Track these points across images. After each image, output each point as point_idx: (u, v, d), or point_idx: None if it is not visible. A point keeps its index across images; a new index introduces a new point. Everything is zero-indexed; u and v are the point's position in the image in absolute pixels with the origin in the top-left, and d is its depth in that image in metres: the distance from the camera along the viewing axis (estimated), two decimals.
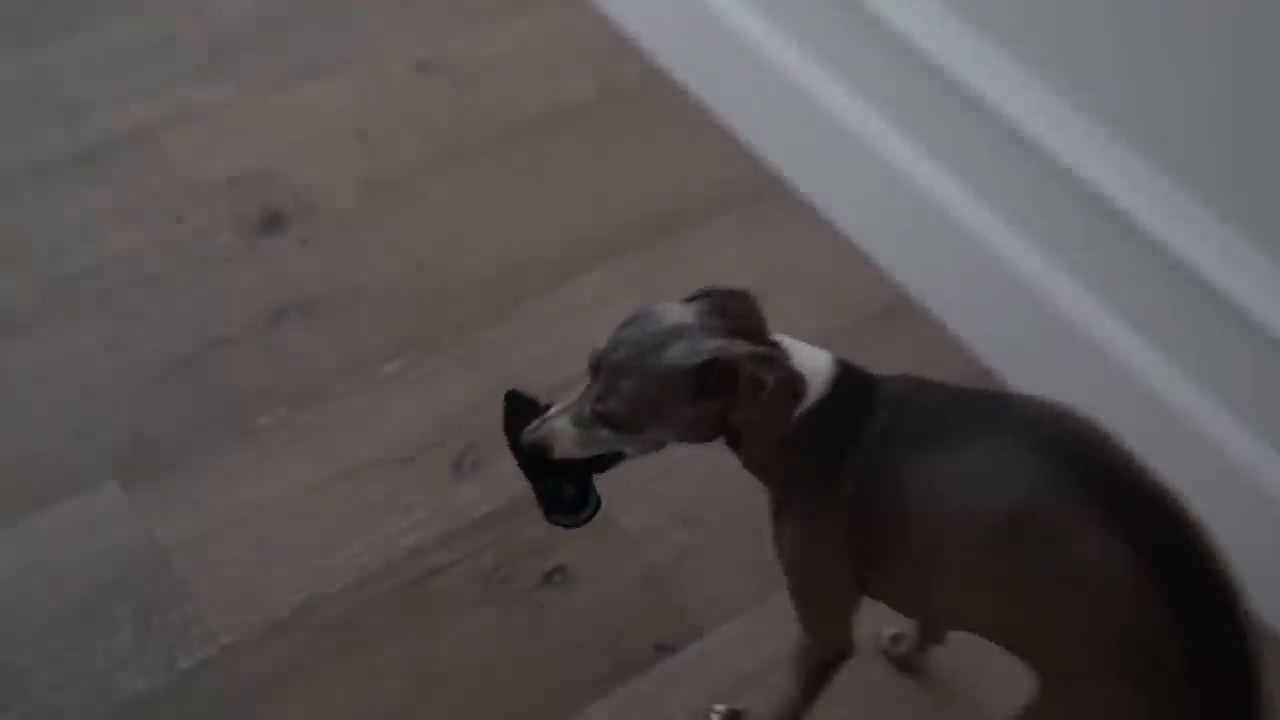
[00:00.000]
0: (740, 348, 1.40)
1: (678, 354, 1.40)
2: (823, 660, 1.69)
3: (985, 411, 1.42)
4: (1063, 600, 1.35)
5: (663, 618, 2.08)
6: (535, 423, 1.49)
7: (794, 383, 1.41)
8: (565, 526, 1.54)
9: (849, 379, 1.48)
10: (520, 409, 1.55)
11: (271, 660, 1.97)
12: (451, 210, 2.60)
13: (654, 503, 2.23)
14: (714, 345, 1.40)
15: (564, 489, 1.52)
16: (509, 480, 2.28)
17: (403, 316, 2.43)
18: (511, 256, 2.55)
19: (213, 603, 2.03)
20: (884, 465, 1.43)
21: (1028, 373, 2.40)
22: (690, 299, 1.48)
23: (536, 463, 1.51)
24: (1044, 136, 2.14)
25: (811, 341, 2.50)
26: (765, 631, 2.08)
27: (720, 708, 2.00)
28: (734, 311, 1.45)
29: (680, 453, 2.32)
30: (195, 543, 2.10)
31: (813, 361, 1.48)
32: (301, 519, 2.16)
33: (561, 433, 1.48)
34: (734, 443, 1.51)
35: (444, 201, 2.62)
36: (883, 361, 2.50)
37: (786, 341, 1.48)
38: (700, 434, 1.47)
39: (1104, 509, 1.33)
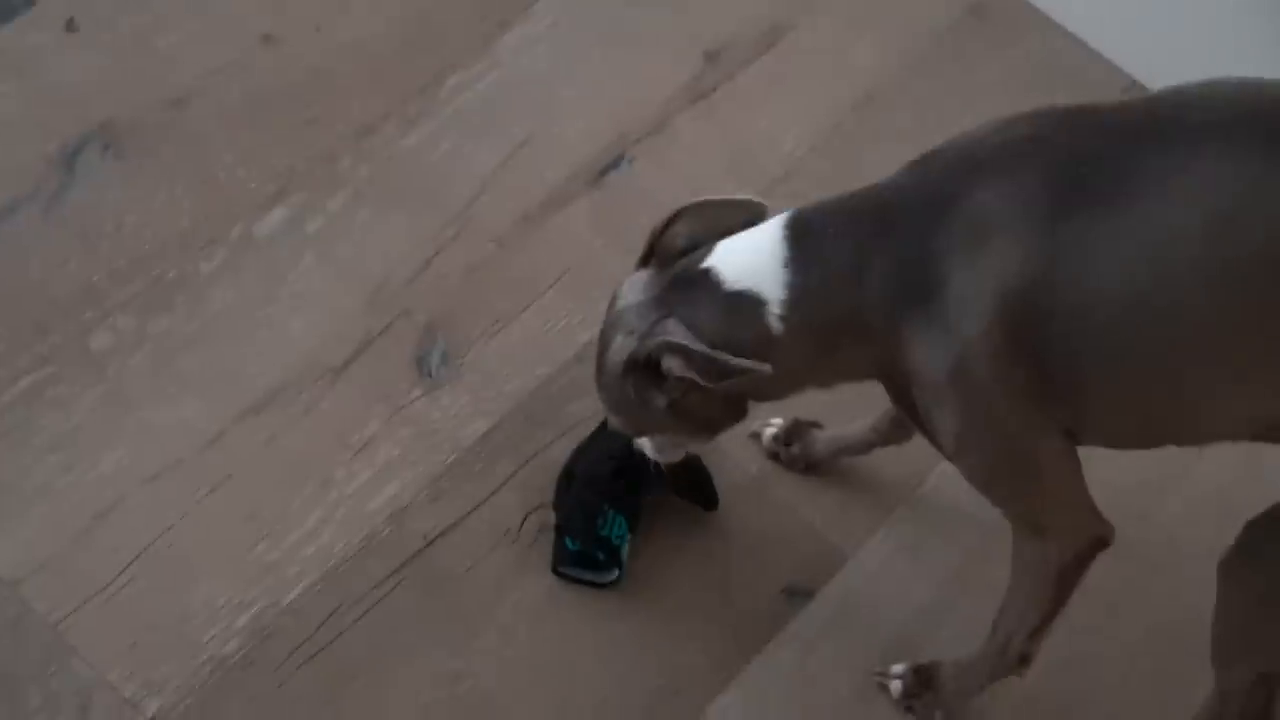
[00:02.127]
0: (656, 335, 1.47)
1: (612, 356, 1.53)
2: (1072, 558, 1.54)
3: (1155, 131, 1.32)
4: None
5: (784, 547, 1.86)
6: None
7: (713, 367, 1.43)
8: (575, 580, 1.79)
9: (841, 213, 1.44)
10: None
11: None
12: None
13: None
14: (632, 339, 1.50)
15: (595, 553, 1.77)
16: (508, 366, 1.92)
17: (265, 133, 2.06)
18: (404, 4, 2.19)
19: (113, 654, 1.72)
20: (1038, 263, 1.32)
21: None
22: (644, 254, 1.56)
23: (578, 516, 1.77)
24: None
25: (869, 77, 2.19)
26: (928, 539, 1.88)
27: (899, 669, 1.74)
28: (672, 248, 1.52)
29: None
30: (53, 562, 1.76)
31: (751, 254, 1.46)
32: (205, 493, 1.82)
33: (644, 443, 1.68)
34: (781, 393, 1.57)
35: None
36: (984, 89, 2.15)
37: (720, 250, 1.48)
38: (713, 419, 1.57)
39: None
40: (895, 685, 1.73)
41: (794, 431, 1.85)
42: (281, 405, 1.86)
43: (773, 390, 1.53)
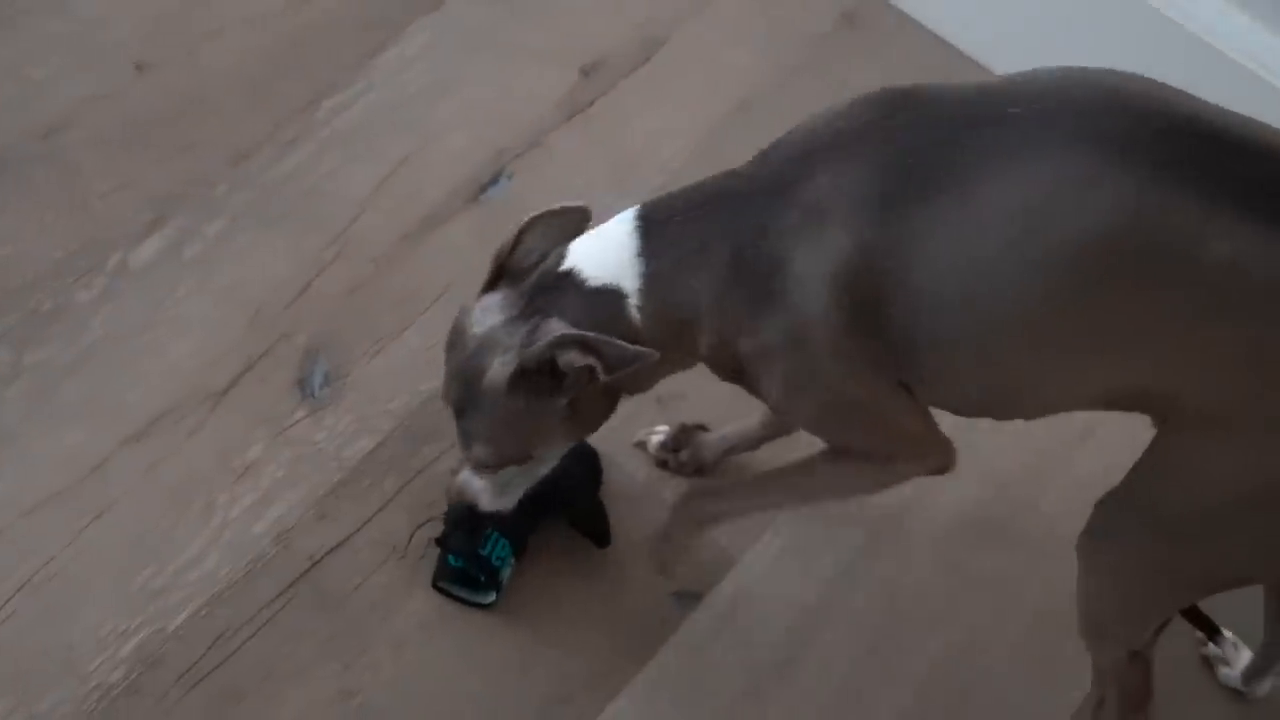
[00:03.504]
0: (542, 337, 1.48)
1: (493, 377, 1.51)
2: (902, 476, 1.60)
3: (981, 120, 1.37)
4: (1202, 325, 1.33)
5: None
6: (449, 480, 1.71)
7: (612, 353, 1.46)
8: (452, 597, 1.80)
9: (688, 201, 1.49)
10: None
11: None
12: None
13: None
14: (512, 353, 1.50)
15: (476, 573, 1.78)
16: (392, 385, 1.93)
17: (140, 161, 2.07)
18: (277, 28, 2.20)
19: None
20: (870, 247, 1.38)
21: None
22: (490, 278, 1.58)
23: (461, 533, 1.76)
24: None
25: (745, 86, 2.24)
26: (814, 539, 1.89)
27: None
28: (525, 264, 1.55)
29: None
30: None
31: (606, 250, 1.50)
32: (88, 522, 1.82)
33: (473, 487, 1.67)
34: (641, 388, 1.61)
35: None
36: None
37: (575, 251, 1.52)
38: (593, 416, 1.59)
39: (1227, 190, 1.30)
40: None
41: (681, 437, 1.88)
42: (163, 431, 1.86)
43: (643, 381, 1.57)
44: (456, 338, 1.55)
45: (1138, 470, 1.46)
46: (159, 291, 1.96)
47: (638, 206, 1.51)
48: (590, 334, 1.46)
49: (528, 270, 1.54)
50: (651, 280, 1.48)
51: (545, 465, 1.65)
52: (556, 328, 1.47)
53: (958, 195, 1.35)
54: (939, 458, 1.56)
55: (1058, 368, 1.40)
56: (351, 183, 2.07)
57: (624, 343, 1.46)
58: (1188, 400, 1.38)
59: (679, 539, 1.71)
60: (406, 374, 1.93)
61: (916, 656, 1.80)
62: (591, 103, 2.17)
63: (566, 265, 1.51)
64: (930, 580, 1.86)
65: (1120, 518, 1.48)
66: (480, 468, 1.62)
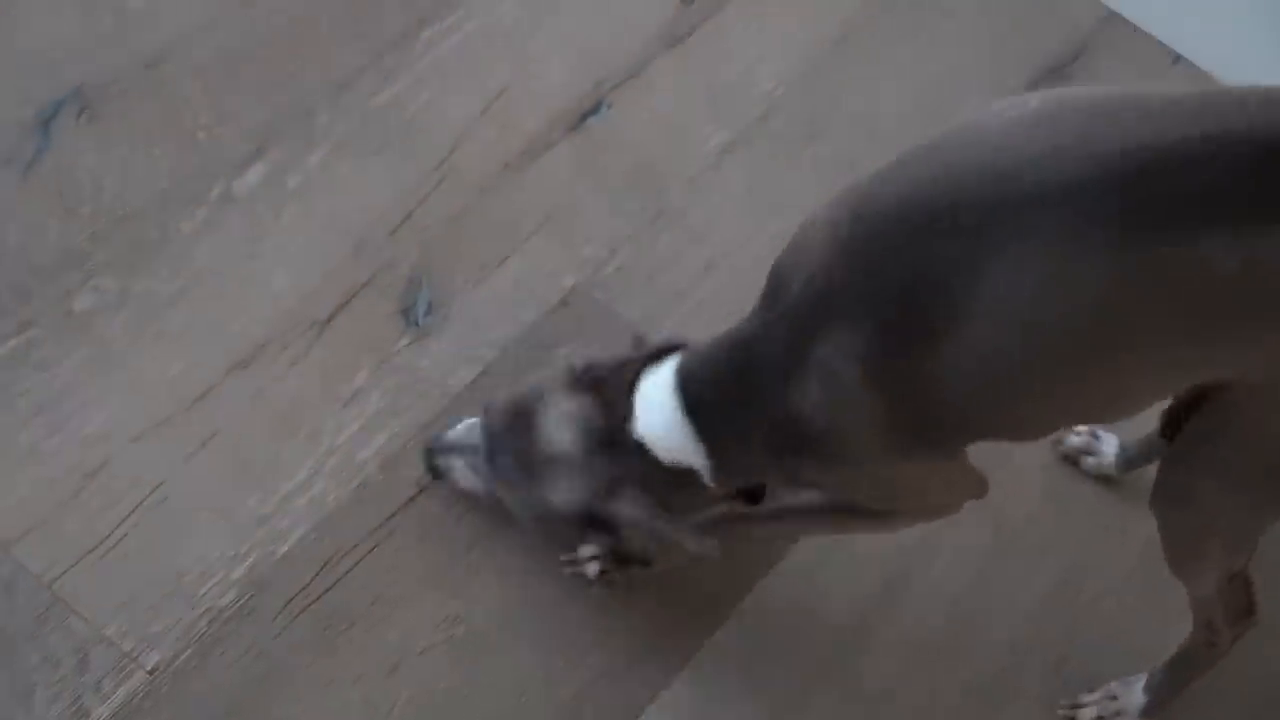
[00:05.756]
0: (624, 507, 1.61)
1: (560, 502, 1.63)
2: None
3: (953, 226, 1.34)
4: (1236, 326, 1.32)
5: None
6: None
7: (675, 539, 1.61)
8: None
9: (717, 376, 1.54)
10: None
11: (230, 671, 1.71)
12: None
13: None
14: (585, 492, 1.63)
15: None
16: (494, 313, 1.93)
17: (241, 91, 2.07)
18: None
19: (110, 610, 1.73)
20: (888, 394, 1.42)
21: None
22: (570, 374, 1.65)
23: None
24: None
25: (844, 16, 2.22)
26: None
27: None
28: (610, 395, 1.62)
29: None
30: (44, 522, 1.77)
31: (669, 433, 1.58)
32: (195, 449, 1.83)
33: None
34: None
35: None
36: (958, 27, 2.15)
37: (643, 422, 1.59)
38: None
39: (1208, 203, 1.26)
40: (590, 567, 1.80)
41: None
42: (268, 359, 1.87)
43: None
44: (529, 427, 1.63)
45: (1200, 431, 1.45)
46: (262, 221, 1.96)
47: (675, 374, 1.57)
48: (660, 533, 1.60)
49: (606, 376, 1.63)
50: (715, 460, 1.58)
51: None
52: (639, 515, 1.60)
53: (960, 316, 1.34)
54: (972, 498, 1.61)
55: (1112, 398, 1.40)
56: (451, 112, 2.06)
57: (682, 536, 1.59)
58: (1242, 379, 1.37)
59: (684, 550, 1.75)
60: (508, 303, 1.92)
61: (1024, 587, 1.79)
62: (690, 32, 2.15)
63: (640, 433, 1.59)
64: (1037, 511, 1.84)
65: (1190, 480, 1.48)
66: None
